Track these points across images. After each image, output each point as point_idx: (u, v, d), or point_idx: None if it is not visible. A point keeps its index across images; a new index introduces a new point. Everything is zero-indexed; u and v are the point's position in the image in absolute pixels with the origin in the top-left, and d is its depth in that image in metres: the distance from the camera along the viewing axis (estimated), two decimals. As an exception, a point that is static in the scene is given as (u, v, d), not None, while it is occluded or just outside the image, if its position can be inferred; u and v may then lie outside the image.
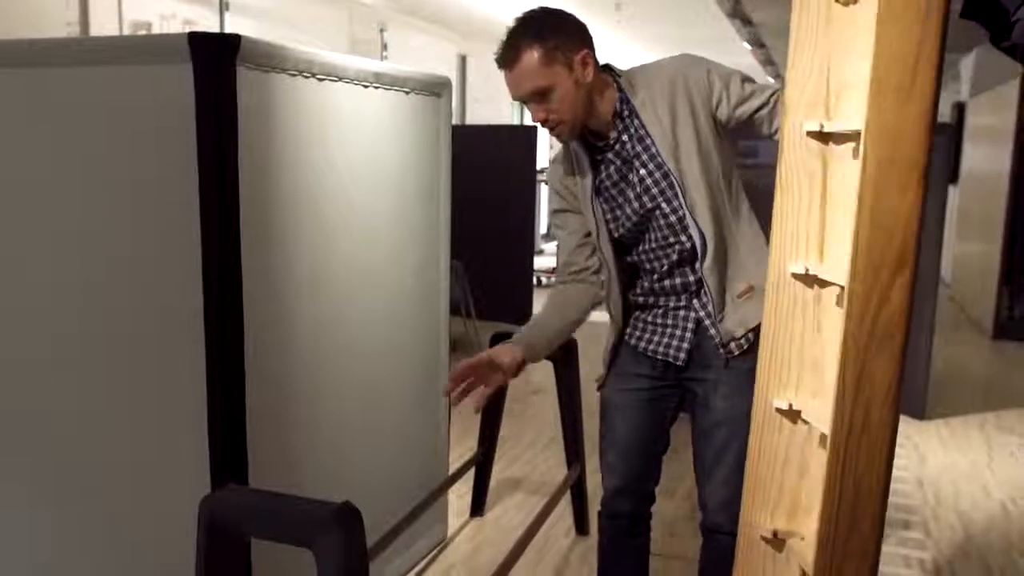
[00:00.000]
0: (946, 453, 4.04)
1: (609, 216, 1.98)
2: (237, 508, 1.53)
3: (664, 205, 1.91)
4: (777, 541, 1.82)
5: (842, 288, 1.64)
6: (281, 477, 2.05)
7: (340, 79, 2.17)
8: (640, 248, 1.99)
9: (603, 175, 1.96)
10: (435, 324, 2.80)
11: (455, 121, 9.50)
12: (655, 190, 1.91)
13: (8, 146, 2.00)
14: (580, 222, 2.02)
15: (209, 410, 1.90)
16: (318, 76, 2.08)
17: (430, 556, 2.89)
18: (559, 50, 1.80)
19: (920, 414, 4.52)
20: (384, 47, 7.90)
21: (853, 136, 1.64)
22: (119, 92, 1.88)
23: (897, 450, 3.93)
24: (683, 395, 2.10)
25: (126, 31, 5.08)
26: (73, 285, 1.99)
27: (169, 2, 5.40)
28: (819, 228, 1.78)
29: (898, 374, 1.68)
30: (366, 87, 2.28)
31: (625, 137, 1.91)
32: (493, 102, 10.35)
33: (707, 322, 1.97)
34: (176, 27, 5.44)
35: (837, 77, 1.71)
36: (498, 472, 3.63)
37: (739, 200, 1.97)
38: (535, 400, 4.62)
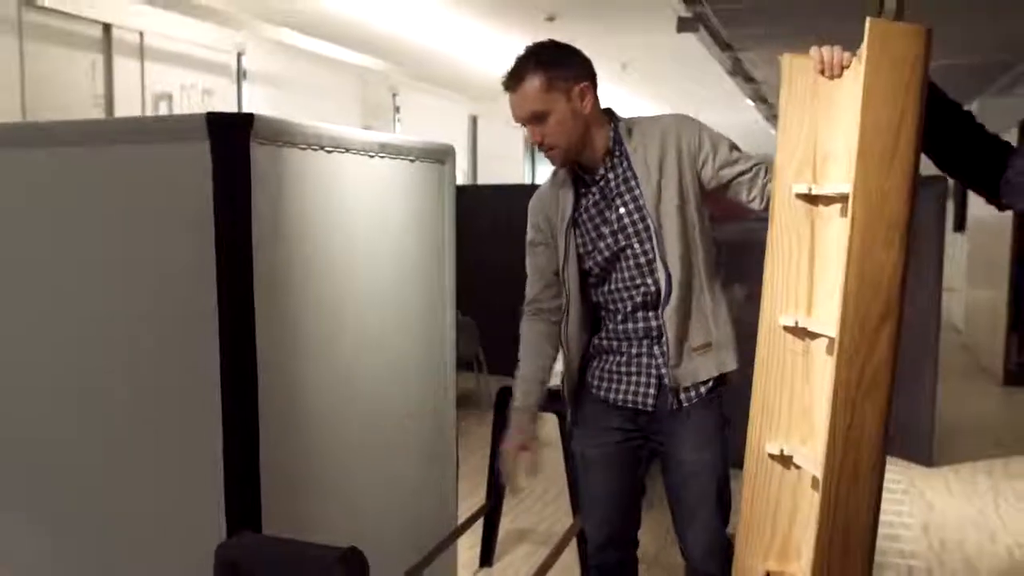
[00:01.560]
0: (953, 499, 4.07)
1: (581, 249, 2.08)
2: (251, 554, 1.63)
3: (636, 245, 2.02)
4: (769, 583, 1.90)
5: (831, 339, 1.75)
6: (293, 526, 2.14)
7: (347, 150, 2.32)
8: (607, 287, 2.09)
9: (583, 207, 2.07)
10: (441, 378, 2.90)
11: (467, 181, 9.71)
12: (631, 229, 2.02)
13: (35, 221, 2.15)
14: (551, 259, 2.13)
15: (225, 465, 2.01)
16: (327, 148, 2.23)
17: (440, 606, 2.95)
18: (559, 79, 1.97)
19: (928, 461, 4.55)
20: (396, 110, 8.14)
21: (840, 198, 1.77)
22: (142, 168, 2.03)
23: (902, 497, 4.00)
24: (652, 446, 2.17)
25: (148, 102, 5.31)
26: (95, 348, 2.13)
27: (189, 73, 5.64)
28: (808, 283, 1.90)
29: (885, 420, 1.79)
30: (371, 157, 2.43)
31: (612, 175, 2.04)
32: (504, 161, 10.57)
33: (663, 369, 2.05)
34: (196, 97, 5.67)
35: (824, 144, 1.85)
36: (507, 524, 3.70)
37: (710, 262, 2.07)
38: (545, 453, 4.66)
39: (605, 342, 2.13)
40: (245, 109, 6.05)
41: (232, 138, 1.94)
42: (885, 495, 3.98)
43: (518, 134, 11.08)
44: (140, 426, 2.12)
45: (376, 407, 2.53)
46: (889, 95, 1.58)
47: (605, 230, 2.05)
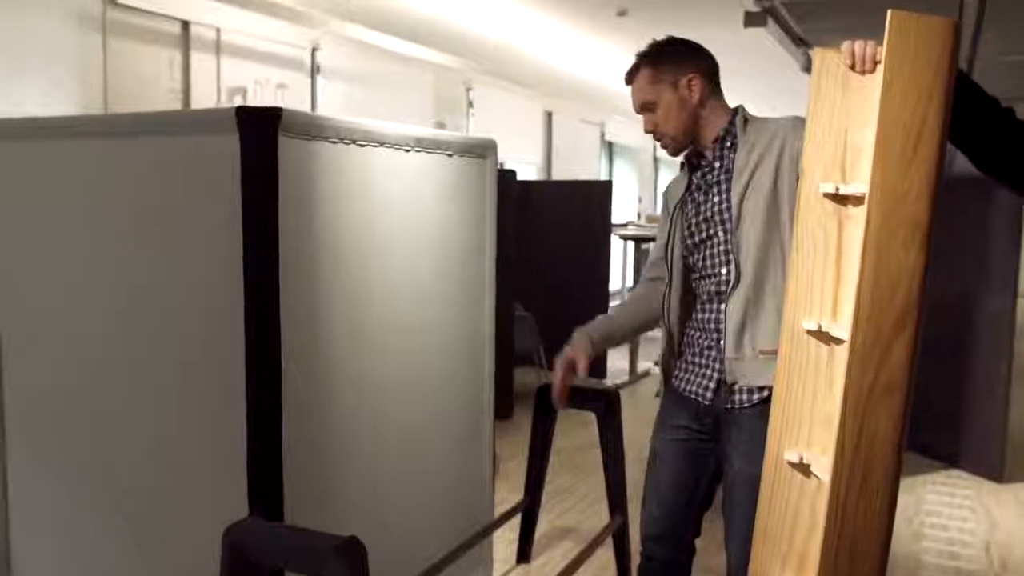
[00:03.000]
0: (1021, 519, 3.88)
1: (684, 231, 2.15)
2: (256, 538, 1.68)
3: (720, 234, 2.05)
4: (785, 594, 1.85)
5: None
6: (317, 513, 2.19)
7: (381, 144, 2.35)
8: (695, 272, 2.14)
9: (692, 190, 2.15)
10: (479, 373, 2.92)
11: (541, 176, 9.71)
12: (717, 218, 2.06)
13: (68, 212, 2.26)
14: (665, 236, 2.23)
15: (248, 452, 2.06)
16: (359, 143, 2.26)
17: (473, 600, 2.97)
18: (667, 71, 2.08)
19: (998, 476, 4.36)
20: (470, 105, 8.19)
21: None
22: (172, 160, 2.11)
23: (965, 513, 3.85)
24: (718, 452, 2.15)
25: (224, 96, 5.48)
26: (129, 334, 2.22)
27: (264, 68, 5.79)
28: (833, 287, 1.84)
29: (900, 429, 1.72)
30: (407, 151, 2.45)
31: (718, 164, 2.09)
32: (579, 157, 10.53)
33: (731, 382, 2.04)
34: (270, 91, 5.82)
35: (854, 141, 1.78)
36: (550, 521, 3.70)
37: (779, 282, 2.02)
38: (594, 453, 4.64)
39: (689, 330, 2.18)
40: (319, 104, 6.18)
41: (260, 131, 1.99)
42: (950, 510, 3.88)
43: (594, 130, 11.03)
44: (166, 413, 2.20)
45: (409, 401, 2.56)
46: (911, 91, 1.52)
47: (699, 217, 2.12)
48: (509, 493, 3.53)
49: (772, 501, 1.90)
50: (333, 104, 6.30)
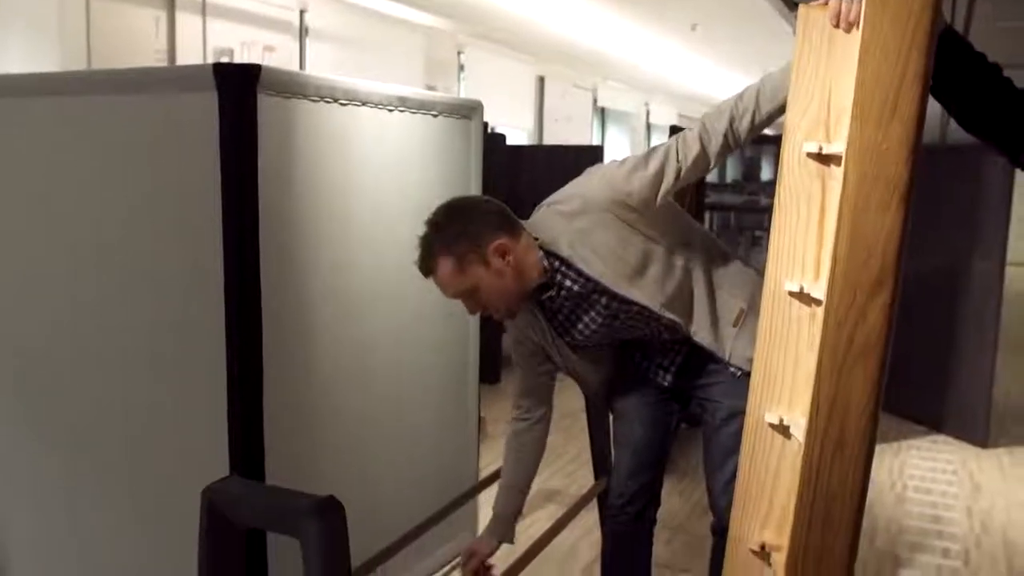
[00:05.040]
0: (1005, 483, 3.92)
1: (580, 339, 2.07)
2: (233, 498, 1.67)
3: (634, 311, 1.99)
4: (764, 554, 1.86)
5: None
6: (299, 475, 2.18)
7: (363, 104, 2.32)
8: (622, 338, 2.12)
9: (560, 319, 2.05)
10: (464, 337, 2.91)
11: (532, 141, 9.65)
12: (622, 312, 1.99)
13: (49, 168, 2.23)
14: (542, 362, 2.15)
15: (229, 415, 2.06)
16: (340, 101, 2.23)
17: (457, 561, 2.99)
18: (470, 252, 1.88)
19: (983, 442, 4.39)
20: (461, 68, 8.11)
21: (851, 158, 1.69)
22: (150, 118, 2.07)
23: (948, 477, 3.88)
24: (685, 400, 2.20)
25: (210, 58, 5.41)
26: (104, 294, 2.20)
27: (251, 30, 5.71)
28: (816, 248, 1.82)
29: (875, 392, 1.72)
30: (391, 111, 2.42)
31: (568, 282, 1.96)
32: (571, 122, 10.46)
33: (724, 365, 2.06)
34: (257, 53, 5.74)
35: (837, 100, 1.76)
36: (538, 483, 3.70)
37: (705, 252, 2.04)
38: (581, 417, 4.66)
39: (639, 355, 2.20)
40: (307, 67, 6.11)
41: (239, 88, 1.95)
42: (933, 475, 3.90)
43: (586, 95, 10.94)
44: (144, 375, 2.18)
45: (391, 364, 2.55)
46: (891, 48, 1.49)
47: (598, 321, 2.02)
48: (496, 457, 3.54)
49: (752, 463, 1.91)
50: (321, 67, 6.22)
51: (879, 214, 1.54)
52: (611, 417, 2.35)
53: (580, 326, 2.04)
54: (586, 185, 1.98)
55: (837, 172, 1.77)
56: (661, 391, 2.19)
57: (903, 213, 1.54)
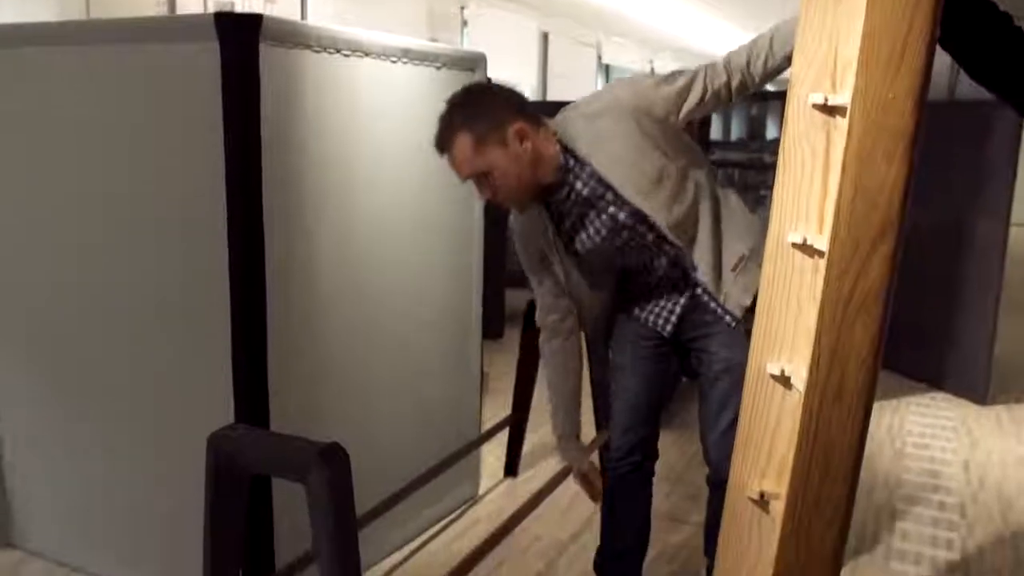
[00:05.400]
0: (1002, 439, 3.94)
1: (582, 251, 2.04)
2: (239, 444, 1.69)
3: (639, 228, 1.97)
4: (763, 502, 1.88)
5: (834, 256, 1.68)
6: (305, 422, 2.21)
7: (366, 55, 2.30)
8: (623, 265, 2.09)
9: (566, 225, 2.02)
10: (467, 291, 2.92)
11: (536, 97, 9.57)
12: (629, 222, 1.96)
13: (51, 119, 2.22)
14: (552, 271, 2.10)
15: (234, 362, 2.08)
16: (343, 52, 2.22)
17: (460, 510, 3.03)
18: (491, 131, 1.83)
19: (982, 399, 4.41)
20: (464, 23, 8.02)
21: (856, 108, 1.67)
22: (153, 67, 2.07)
23: (947, 433, 3.91)
24: (683, 352, 2.20)
25: (211, 8, 5.35)
26: (110, 245, 2.22)
27: (252, -18, 5.64)
28: (820, 200, 1.81)
29: (876, 344, 1.72)
30: (394, 62, 2.41)
31: (579, 184, 1.94)
32: (574, 78, 10.36)
33: (707, 300, 2.06)
34: (258, 6, 5.68)
35: (844, 51, 1.74)
36: (540, 437, 3.75)
37: (713, 189, 2.02)
38: (585, 372, 4.70)
39: (639, 293, 2.16)
40: (309, 18, 6.04)
41: (240, 38, 1.95)
42: (932, 431, 3.94)
43: (590, 52, 10.83)
44: (150, 324, 2.21)
45: (395, 315, 2.57)
46: (898, -2, 1.47)
47: (601, 235, 2.00)
48: (498, 411, 3.57)
49: (753, 414, 1.92)
50: (323, 19, 6.15)
51: (884, 164, 1.53)
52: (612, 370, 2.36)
53: (584, 235, 2.01)
54: (611, 91, 1.98)
55: (842, 123, 1.76)
56: (659, 345, 2.19)
57: (908, 164, 1.53)
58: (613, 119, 1.91)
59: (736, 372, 2.06)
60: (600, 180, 1.92)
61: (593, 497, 2.40)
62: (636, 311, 2.17)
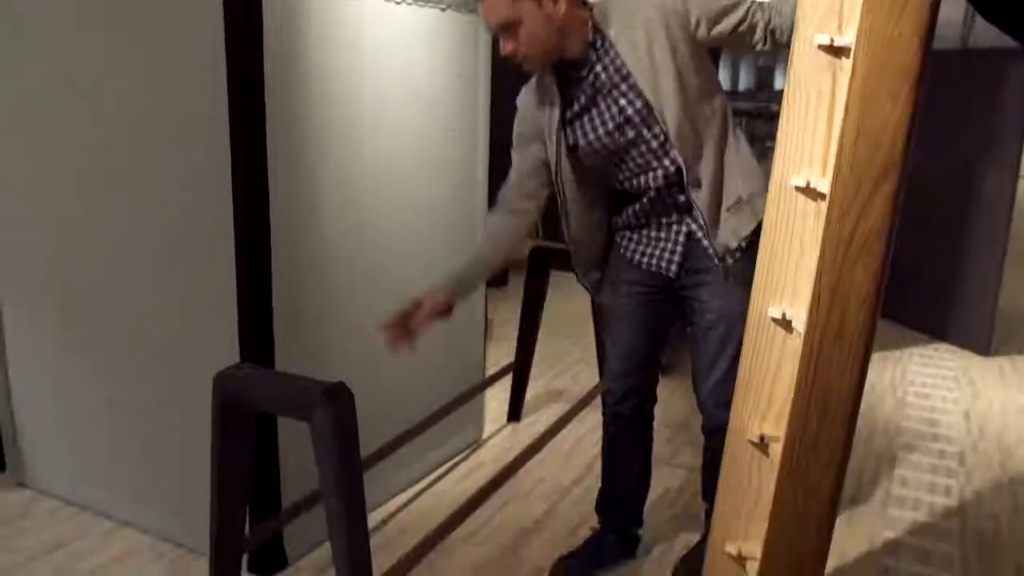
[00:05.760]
0: (1004, 390, 3.96)
1: (583, 143, 2.00)
2: (245, 383, 1.71)
3: (645, 132, 1.95)
4: (763, 445, 1.90)
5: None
6: (309, 363, 2.22)
7: (370, -6, 2.27)
8: (620, 177, 2.04)
9: (575, 106, 1.99)
10: (472, 236, 2.91)
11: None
12: (637, 119, 1.94)
13: (53, 43, 2.21)
14: (539, 150, 2.05)
15: (238, 302, 2.09)
16: (347, -10, 2.19)
17: (464, 454, 3.07)
18: None
19: (985, 350, 4.42)
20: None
21: (863, 49, 1.65)
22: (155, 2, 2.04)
23: (949, 383, 3.93)
24: (678, 300, 2.18)
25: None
26: (113, 184, 2.22)
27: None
28: (824, 142, 1.80)
29: (877, 285, 1.72)
30: (398, 3, 2.37)
31: (599, 68, 1.93)
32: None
33: (700, 236, 2.04)
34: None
35: (853, -11, 1.71)
36: (543, 384, 3.79)
37: (724, 119, 2.01)
38: (590, 319, 4.72)
39: (633, 219, 2.11)
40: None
41: (243, -26, 1.92)
42: (934, 380, 3.95)
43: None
44: (156, 264, 2.21)
45: (399, 255, 2.57)
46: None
47: (606, 127, 1.98)
48: (502, 357, 3.59)
49: (754, 357, 1.93)
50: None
51: (888, 103, 1.52)
52: (601, 311, 2.32)
53: (588, 125, 1.99)
54: None
55: (847, 65, 1.74)
56: (654, 292, 2.17)
57: (912, 104, 1.51)
58: (645, 19, 1.90)
59: (728, 322, 2.06)
60: (619, 69, 1.92)
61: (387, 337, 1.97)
62: (635, 254, 2.14)
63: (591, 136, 1.99)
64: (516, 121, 2.10)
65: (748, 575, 1.91)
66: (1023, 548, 2.57)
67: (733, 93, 6.61)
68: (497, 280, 5.10)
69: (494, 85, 2.86)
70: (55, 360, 2.49)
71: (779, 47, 1.95)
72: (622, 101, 1.94)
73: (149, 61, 2.09)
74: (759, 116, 6.00)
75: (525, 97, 2.07)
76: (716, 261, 2.03)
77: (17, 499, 2.66)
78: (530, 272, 3.18)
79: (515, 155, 2.10)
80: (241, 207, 2.02)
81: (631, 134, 1.96)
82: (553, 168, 2.04)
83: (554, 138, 2.01)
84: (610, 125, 1.97)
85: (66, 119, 2.26)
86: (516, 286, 4.79)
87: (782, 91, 1.89)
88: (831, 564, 2.38)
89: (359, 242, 2.39)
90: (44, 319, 2.48)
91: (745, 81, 7.40)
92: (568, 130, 2.01)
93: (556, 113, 1.99)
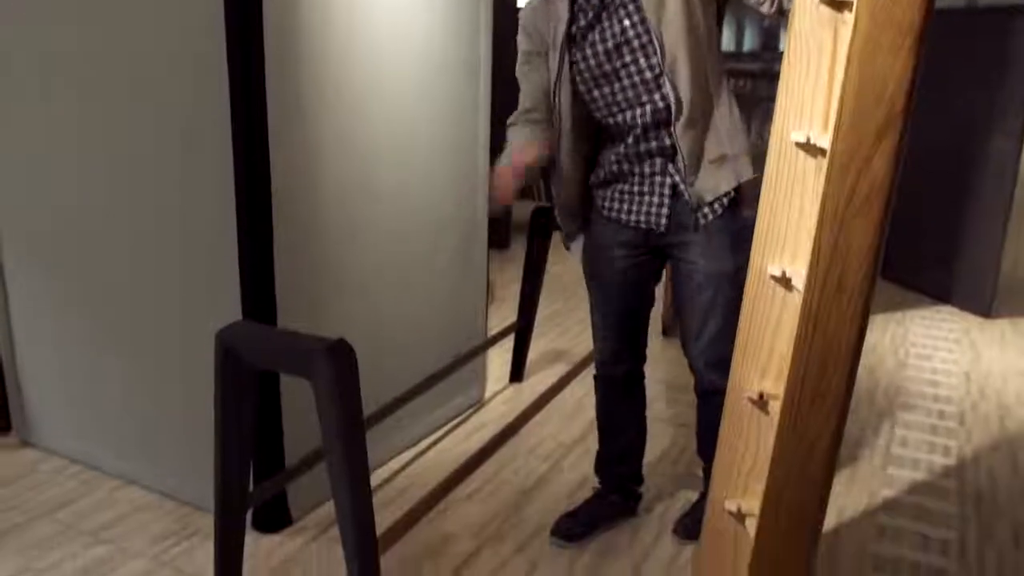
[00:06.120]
0: (1004, 351, 3.97)
1: (582, 64, 1.98)
2: (247, 340, 1.71)
3: (641, 60, 1.93)
4: (762, 403, 1.90)
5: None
6: (310, 321, 2.23)
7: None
8: (610, 107, 2.00)
9: (580, 22, 1.96)
10: (473, 192, 2.90)
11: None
12: (636, 43, 1.92)
13: (53, 25, 2.18)
14: (545, 72, 2.03)
15: (240, 260, 2.08)
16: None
17: (466, 414, 3.09)
18: None
19: (986, 312, 4.42)
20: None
21: (865, 4, 1.63)
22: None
23: (950, 345, 3.93)
24: (663, 259, 2.17)
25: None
26: (113, 143, 2.20)
27: None
28: (825, 98, 1.78)
29: (877, 241, 1.71)
30: (399, -42, 2.34)
31: None
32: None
33: (683, 189, 2.01)
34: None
35: (856, -60, 1.69)
36: (545, 344, 3.80)
37: (721, 74, 1.98)
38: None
39: (615, 166, 2.07)
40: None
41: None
42: (935, 342, 3.96)
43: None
44: (157, 221, 2.21)
45: (399, 216, 2.56)
46: None
47: (606, 45, 1.95)
48: (503, 319, 3.60)
49: (753, 314, 1.93)
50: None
51: (890, 57, 1.50)
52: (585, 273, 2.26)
53: (589, 40, 1.96)
54: None
55: (849, 19, 1.72)
56: (638, 253, 2.13)
57: (914, 58, 1.50)
58: None
59: (717, 281, 2.05)
60: None
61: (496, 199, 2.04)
62: (620, 213, 2.10)
63: (589, 52, 1.96)
64: (521, 39, 2.06)
65: (747, 531, 1.93)
66: (1021, 507, 2.59)
67: (737, 54, 6.53)
68: (499, 242, 5.09)
69: (495, 46, 2.83)
70: (59, 320, 2.50)
71: (784, 14, 1.92)
72: (625, 21, 1.92)
73: (145, 20, 2.07)
74: (763, 76, 5.94)
75: (529, 15, 2.04)
76: (693, 213, 2.01)
77: (25, 458, 2.68)
78: (532, 233, 3.17)
79: (525, 74, 2.07)
80: (241, 164, 2.01)
81: (628, 58, 1.94)
82: (553, 87, 2.01)
83: (558, 53, 1.98)
84: (610, 43, 1.94)
85: (68, 83, 2.25)
86: (518, 248, 4.79)
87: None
88: (829, 521, 2.41)
89: (360, 200, 2.38)
90: (48, 280, 2.48)
91: (750, 42, 7.32)
92: (571, 48, 1.98)
93: (562, 28, 1.97)
